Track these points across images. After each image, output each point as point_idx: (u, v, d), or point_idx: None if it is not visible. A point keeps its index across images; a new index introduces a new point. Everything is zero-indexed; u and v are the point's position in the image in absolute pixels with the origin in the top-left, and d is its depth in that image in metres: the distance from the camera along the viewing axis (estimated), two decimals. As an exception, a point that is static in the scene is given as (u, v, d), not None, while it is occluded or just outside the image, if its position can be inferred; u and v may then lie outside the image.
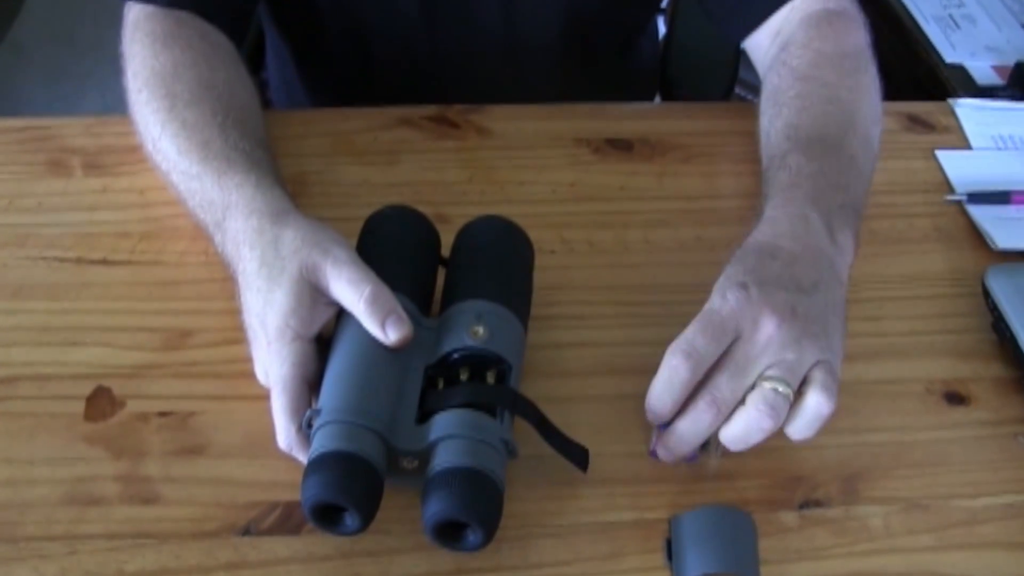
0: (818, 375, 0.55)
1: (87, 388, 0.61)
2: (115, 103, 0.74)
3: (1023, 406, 0.64)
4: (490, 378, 0.56)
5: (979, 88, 1.16)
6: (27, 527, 0.55)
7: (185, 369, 0.63)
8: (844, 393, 0.55)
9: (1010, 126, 0.85)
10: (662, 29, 1.17)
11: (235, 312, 0.60)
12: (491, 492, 0.52)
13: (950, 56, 1.20)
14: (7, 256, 0.69)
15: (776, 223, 0.61)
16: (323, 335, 0.57)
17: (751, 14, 0.80)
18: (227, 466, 0.58)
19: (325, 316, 0.57)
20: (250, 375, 0.59)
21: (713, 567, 0.53)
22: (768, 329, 0.54)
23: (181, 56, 0.70)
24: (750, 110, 0.77)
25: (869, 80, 0.74)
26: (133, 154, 0.73)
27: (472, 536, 0.52)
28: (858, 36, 0.76)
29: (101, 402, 0.61)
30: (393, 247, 0.61)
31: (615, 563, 0.55)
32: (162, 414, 0.60)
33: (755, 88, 0.79)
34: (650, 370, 0.56)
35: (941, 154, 0.81)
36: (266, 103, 0.98)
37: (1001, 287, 0.66)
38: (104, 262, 0.69)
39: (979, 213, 0.76)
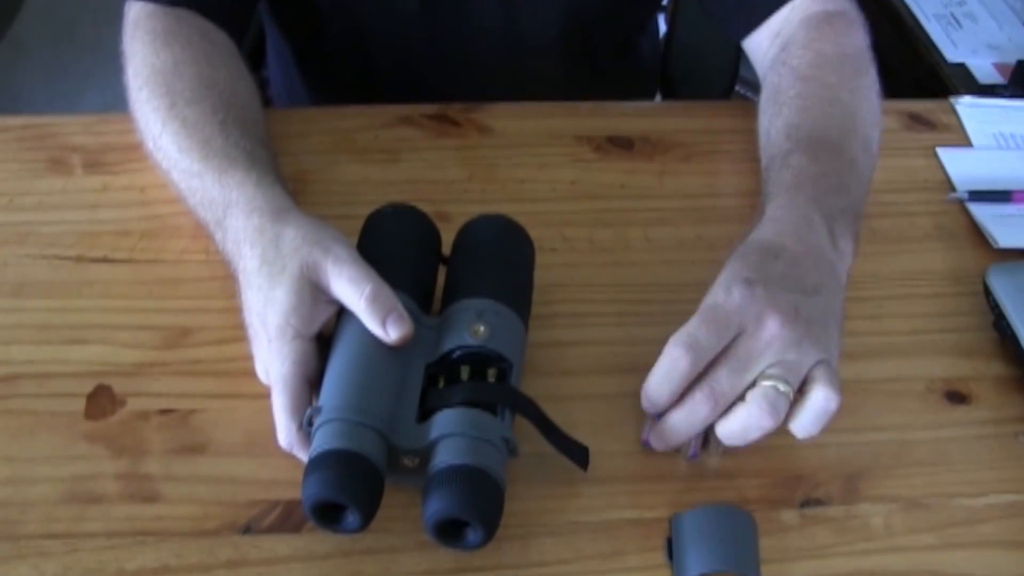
0: (821, 373, 0.55)
1: (88, 386, 0.61)
2: (115, 101, 0.74)
3: (1024, 405, 0.64)
4: (491, 376, 0.56)
5: (980, 86, 1.16)
6: (28, 525, 0.55)
7: (186, 367, 0.63)
8: (845, 392, 0.55)
9: (1011, 124, 0.85)
10: (663, 27, 1.16)
11: (236, 310, 0.60)
12: (492, 490, 0.52)
13: (951, 54, 1.20)
14: (7, 254, 0.69)
15: (780, 223, 0.61)
16: (324, 333, 0.57)
17: (751, 14, 0.80)
18: (228, 464, 0.58)
19: (326, 314, 0.57)
20: (251, 373, 0.59)
21: (714, 566, 0.53)
22: (772, 328, 0.54)
23: (182, 54, 0.70)
24: (751, 108, 0.77)
25: (869, 82, 0.74)
26: (133, 152, 0.72)
27: (473, 534, 0.52)
28: (858, 38, 0.76)
29: (102, 400, 0.61)
30: (394, 245, 0.61)
31: (616, 562, 0.55)
32: (163, 412, 0.60)
33: (756, 86, 0.79)
34: (651, 368, 0.56)
35: (942, 152, 0.81)
36: (266, 101, 0.98)
37: (1002, 285, 0.66)
38: (105, 260, 0.69)
39: (980, 211, 0.76)
